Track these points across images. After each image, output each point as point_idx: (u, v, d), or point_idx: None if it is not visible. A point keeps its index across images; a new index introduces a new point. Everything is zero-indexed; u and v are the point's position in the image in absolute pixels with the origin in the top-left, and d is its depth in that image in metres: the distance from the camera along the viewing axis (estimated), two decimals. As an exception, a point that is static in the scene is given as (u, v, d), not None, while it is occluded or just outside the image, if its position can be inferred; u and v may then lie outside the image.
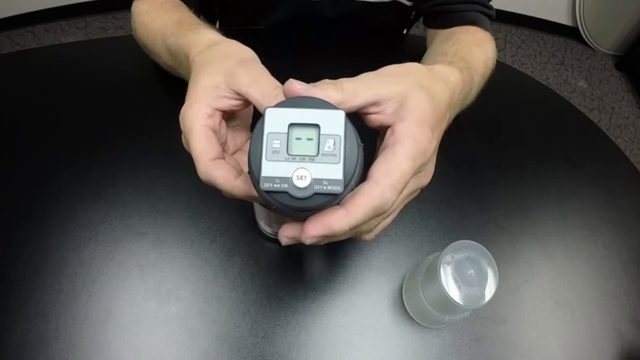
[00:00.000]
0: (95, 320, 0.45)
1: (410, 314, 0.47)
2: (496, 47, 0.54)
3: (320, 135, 0.24)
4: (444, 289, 0.37)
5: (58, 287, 0.47)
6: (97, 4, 1.91)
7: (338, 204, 0.26)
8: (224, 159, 0.30)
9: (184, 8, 0.52)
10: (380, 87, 0.29)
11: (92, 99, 0.61)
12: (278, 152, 0.24)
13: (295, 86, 0.26)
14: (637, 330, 0.50)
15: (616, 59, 2.06)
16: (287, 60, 0.49)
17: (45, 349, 0.43)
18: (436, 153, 0.32)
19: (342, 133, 0.24)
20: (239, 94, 0.31)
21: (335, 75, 0.29)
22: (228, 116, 0.34)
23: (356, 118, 0.28)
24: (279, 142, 0.24)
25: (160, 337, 0.45)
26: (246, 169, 0.31)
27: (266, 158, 0.24)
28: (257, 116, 0.26)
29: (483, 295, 0.38)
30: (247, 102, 0.31)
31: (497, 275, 0.38)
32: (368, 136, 0.29)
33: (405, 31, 0.80)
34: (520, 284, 0.51)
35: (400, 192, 0.27)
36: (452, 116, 0.40)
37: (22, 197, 0.52)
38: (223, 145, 0.32)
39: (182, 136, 0.32)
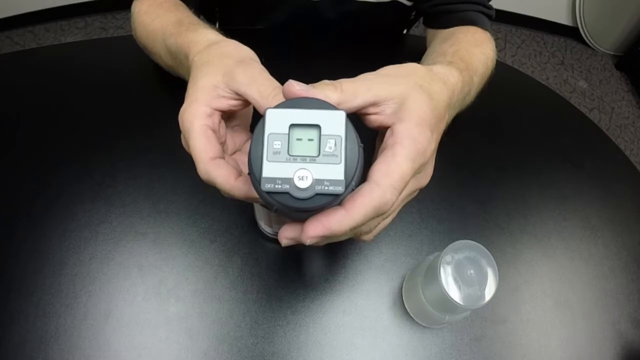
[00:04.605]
0: (95, 320, 0.45)
1: (410, 314, 0.47)
2: (496, 47, 0.54)
3: (321, 136, 0.24)
4: (444, 289, 0.37)
5: (58, 287, 0.47)
6: (97, 4, 1.91)
7: (338, 204, 0.26)
8: (223, 158, 0.30)
9: (183, 8, 0.52)
10: (380, 88, 0.29)
11: (92, 99, 0.61)
12: (279, 153, 0.24)
13: (295, 87, 0.26)
14: (637, 330, 0.50)
15: (616, 59, 2.06)
16: (287, 60, 0.49)
17: (45, 349, 0.43)
18: (435, 153, 0.32)
19: (343, 133, 0.24)
20: (237, 94, 0.31)
21: (335, 75, 0.29)
22: (227, 116, 0.34)
23: (356, 119, 0.28)
24: (279, 143, 0.24)
25: (160, 337, 0.45)
26: (246, 170, 0.31)
27: (267, 159, 0.24)
28: (257, 116, 0.26)
29: (483, 295, 0.38)
30: (246, 102, 0.31)
31: (497, 275, 0.38)
32: (367, 137, 0.29)
33: (405, 31, 0.80)
34: (520, 284, 0.51)
35: (400, 193, 0.27)
36: (451, 117, 0.40)
37: (22, 197, 0.52)
38: (222, 145, 0.32)
39: (182, 136, 0.32)
